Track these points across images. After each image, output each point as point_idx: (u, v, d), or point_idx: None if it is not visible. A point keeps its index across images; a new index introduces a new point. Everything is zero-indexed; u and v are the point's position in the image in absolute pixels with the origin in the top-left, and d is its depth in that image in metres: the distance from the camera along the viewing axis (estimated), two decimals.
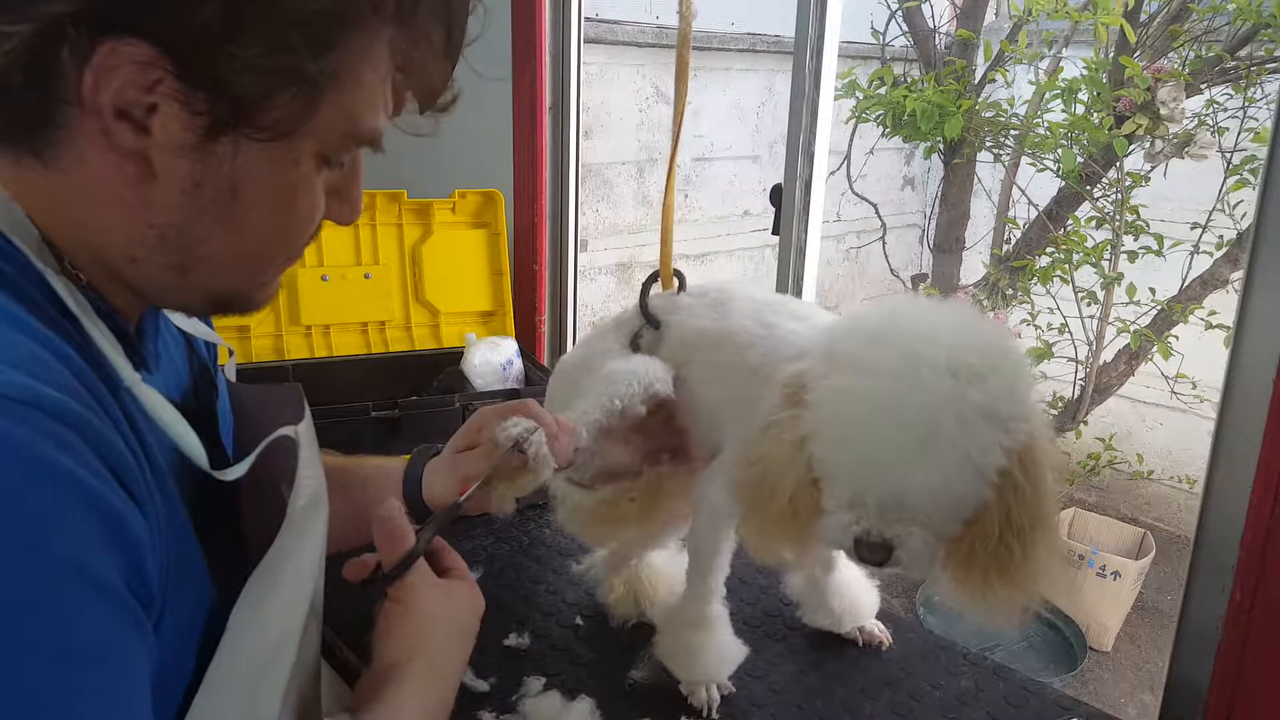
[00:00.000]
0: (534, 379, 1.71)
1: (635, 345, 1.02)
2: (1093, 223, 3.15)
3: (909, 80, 3.41)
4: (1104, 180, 3.11)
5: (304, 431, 0.69)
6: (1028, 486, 0.72)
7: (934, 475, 0.70)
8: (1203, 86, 2.90)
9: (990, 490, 0.71)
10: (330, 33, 0.51)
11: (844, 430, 0.73)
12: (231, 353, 0.79)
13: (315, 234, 0.61)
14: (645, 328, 1.03)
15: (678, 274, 1.06)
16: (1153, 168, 2.98)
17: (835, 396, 0.73)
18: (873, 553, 0.74)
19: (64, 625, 0.42)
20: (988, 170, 3.94)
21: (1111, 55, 2.91)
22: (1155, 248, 3.00)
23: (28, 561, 0.41)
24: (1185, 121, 2.84)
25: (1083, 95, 2.93)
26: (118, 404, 0.51)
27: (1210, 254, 2.99)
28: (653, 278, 1.06)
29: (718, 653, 0.98)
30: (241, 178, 0.53)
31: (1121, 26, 2.81)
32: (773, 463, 0.78)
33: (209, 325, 0.78)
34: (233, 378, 0.77)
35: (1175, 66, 2.88)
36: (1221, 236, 2.98)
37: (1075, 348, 3.25)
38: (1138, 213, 3.03)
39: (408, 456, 0.94)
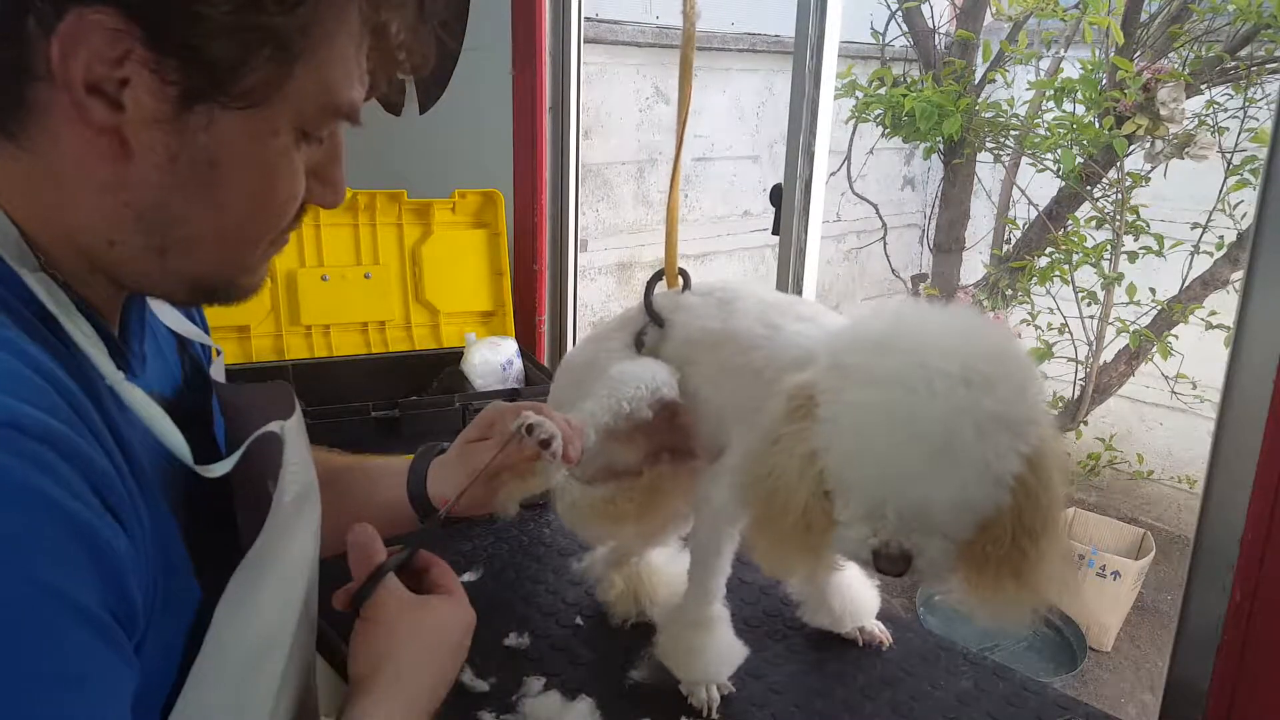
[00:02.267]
0: (534, 379, 1.71)
1: (639, 343, 1.02)
2: (1093, 223, 3.16)
3: (908, 80, 3.41)
4: (1104, 180, 3.11)
5: (292, 427, 0.68)
6: (1039, 489, 0.72)
7: (953, 486, 0.69)
8: (1203, 86, 2.90)
9: (1007, 495, 0.71)
10: None
11: (859, 444, 0.73)
12: (219, 353, 0.77)
13: (299, 218, 0.60)
14: (649, 326, 1.03)
15: (682, 273, 1.05)
16: (1153, 168, 2.98)
17: (848, 410, 0.73)
18: (892, 564, 0.73)
19: (43, 649, 0.41)
20: (988, 170, 3.94)
21: (1106, 55, 2.91)
22: (1155, 248, 3.00)
23: (6, 586, 0.41)
24: (1185, 121, 2.84)
25: (1078, 96, 2.93)
26: (99, 411, 0.50)
27: (1210, 254, 3.00)
28: (657, 276, 1.06)
29: (718, 653, 0.97)
30: (219, 150, 0.52)
31: (1110, 27, 2.81)
32: (783, 477, 0.77)
33: (201, 325, 0.77)
34: (221, 378, 0.76)
35: (1175, 67, 2.88)
36: (1221, 237, 2.99)
37: (1075, 348, 3.25)
38: (1138, 213, 3.03)
39: (412, 456, 0.94)
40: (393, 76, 0.59)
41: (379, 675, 0.65)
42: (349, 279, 1.76)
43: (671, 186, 1.07)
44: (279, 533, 0.62)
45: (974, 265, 3.89)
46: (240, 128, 0.52)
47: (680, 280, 1.05)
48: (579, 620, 1.11)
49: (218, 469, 0.59)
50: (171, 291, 0.60)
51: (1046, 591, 0.76)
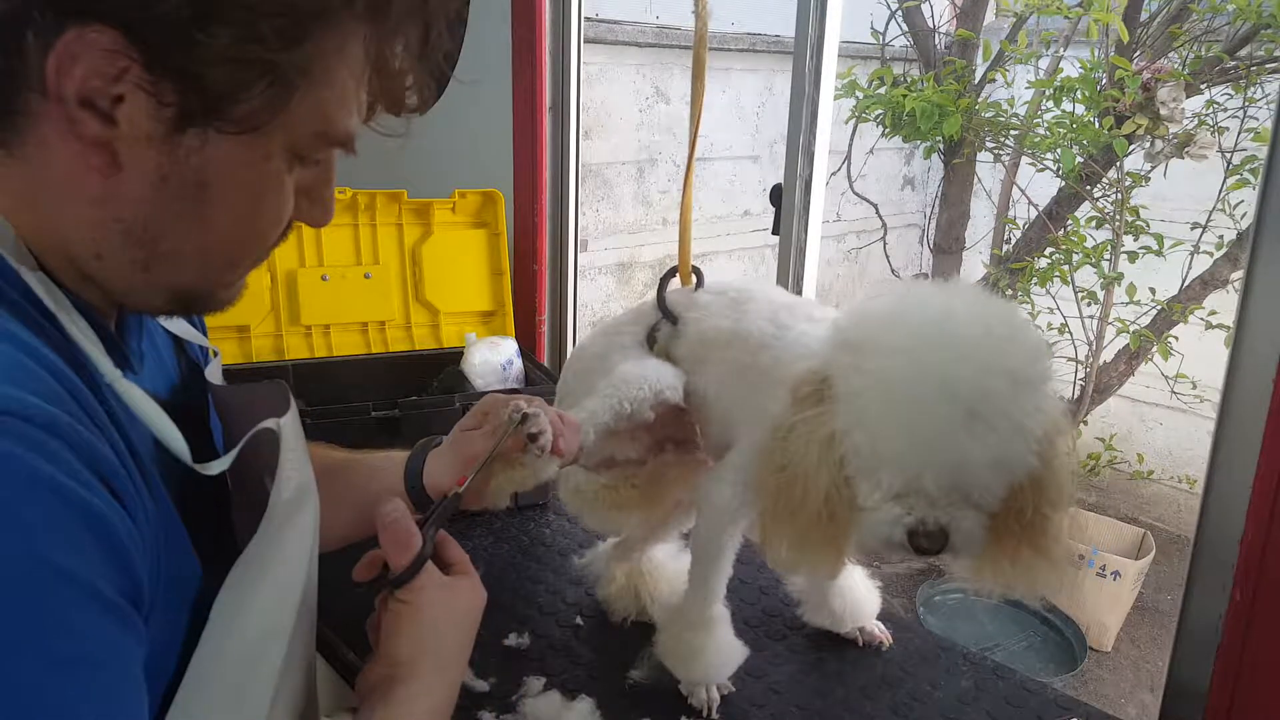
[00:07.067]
0: (534, 379, 1.71)
1: (652, 340, 1.02)
2: (1093, 223, 3.15)
3: (909, 80, 3.41)
4: (1104, 180, 3.11)
5: (288, 425, 0.69)
6: (1054, 454, 0.71)
7: (990, 446, 0.67)
8: (1203, 86, 2.89)
9: (1034, 458, 0.69)
10: (300, 25, 0.50)
11: (889, 413, 0.70)
12: (216, 353, 0.78)
13: (285, 235, 0.60)
14: (662, 323, 1.02)
15: (696, 270, 1.05)
16: (1153, 168, 2.98)
17: (872, 381, 0.70)
18: (931, 541, 0.71)
19: (62, 633, 0.42)
20: (988, 170, 3.94)
21: (1106, 54, 2.91)
22: (1155, 248, 2.99)
23: (24, 573, 0.41)
24: (1185, 121, 2.84)
25: (1077, 95, 2.93)
26: (101, 404, 0.51)
27: (1210, 254, 2.99)
28: (671, 272, 1.05)
29: (718, 653, 0.97)
30: (210, 172, 0.52)
31: (1113, 24, 2.80)
32: (801, 465, 0.75)
33: (199, 327, 0.77)
34: (218, 380, 0.76)
35: (1175, 66, 2.87)
36: (1221, 236, 2.98)
37: (1075, 348, 3.25)
38: (1138, 213, 3.02)
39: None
40: (392, 108, 0.59)
41: (423, 663, 0.67)
42: (349, 279, 1.75)
43: (685, 185, 1.07)
44: (276, 529, 0.62)
45: (974, 265, 3.89)
46: (233, 152, 0.52)
47: (694, 278, 1.05)
48: (579, 620, 1.11)
49: (215, 466, 0.59)
50: (151, 302, 0.60)
51: (1062, 560, 0.75)
